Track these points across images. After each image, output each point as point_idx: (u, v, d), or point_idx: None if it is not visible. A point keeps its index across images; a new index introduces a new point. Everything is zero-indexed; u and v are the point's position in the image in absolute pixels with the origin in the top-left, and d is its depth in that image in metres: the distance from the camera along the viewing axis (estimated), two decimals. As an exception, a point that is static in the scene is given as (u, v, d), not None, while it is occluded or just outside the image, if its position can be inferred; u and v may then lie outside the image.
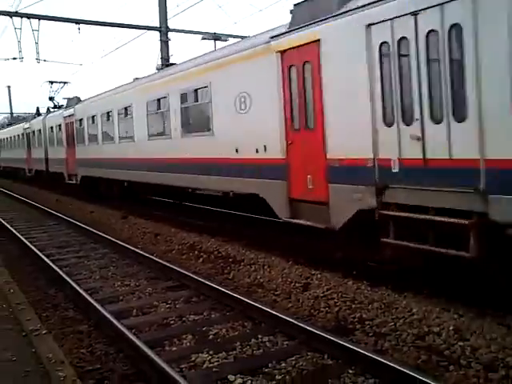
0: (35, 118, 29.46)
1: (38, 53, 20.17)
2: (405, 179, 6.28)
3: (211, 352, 5.08)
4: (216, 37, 21.15)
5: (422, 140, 6.03)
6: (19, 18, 18.60)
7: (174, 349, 5.31)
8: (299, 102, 8.08)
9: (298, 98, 8.10)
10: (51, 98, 28.10)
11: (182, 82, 11.84)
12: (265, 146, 8.95)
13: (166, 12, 20.88)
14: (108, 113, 16.68)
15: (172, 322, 6.11)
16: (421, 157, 6.08)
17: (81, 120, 19.69)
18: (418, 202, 6.13)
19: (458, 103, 5.63)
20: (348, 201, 7.07)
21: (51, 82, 27.86)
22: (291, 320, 5.58)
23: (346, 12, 7.03)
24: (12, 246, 11.43)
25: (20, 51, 19.84)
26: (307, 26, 7.74)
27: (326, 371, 4.66)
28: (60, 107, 26.48)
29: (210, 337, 5.58)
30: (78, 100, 21.38)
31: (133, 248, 9.89)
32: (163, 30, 20.93)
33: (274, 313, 5.83)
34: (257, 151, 9.15)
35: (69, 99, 22.30)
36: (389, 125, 6.47)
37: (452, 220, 5.68)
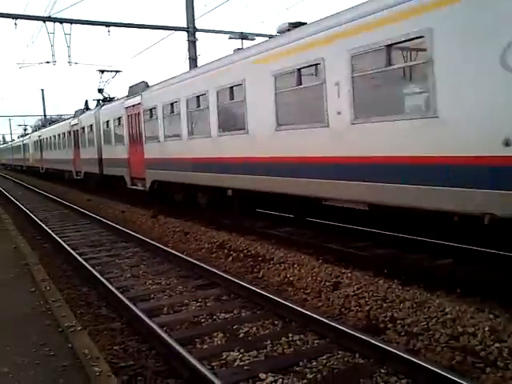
0: (84, 112, 25.84)
1: (69, 56, 20.60)
2: None
3: (242, 350, 5.11)
4: (243, 36, 21.21)
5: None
6: (52, 23, 19.02)
7: (205, 347, 5.35)
8: None
9: None
10: (101, 90, 24.24)
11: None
12: None
13: (193, 12, 21.03)
14: (199, 97, 12.50)
15: (203, 320, 6.16)
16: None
17: (152, 109, 15.67)
18: None
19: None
20: None
21: (102, 71, 24.08)
22: (322, 319, 5.55)
23: None
24: (47, 244, 11.71)
25: (53, 55, 20.31)
26: None
27: (357, 370, 4.63)
28: (111, 99, 23.29)
29: (241, 335, 5.61)
30: (145, 86, 17.05)
31: (163, 247, 10.00)
32: (191, 30, 21.08)
33: (304, 311, 5.82)
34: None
35: (132, 87, 18.11)
36: None
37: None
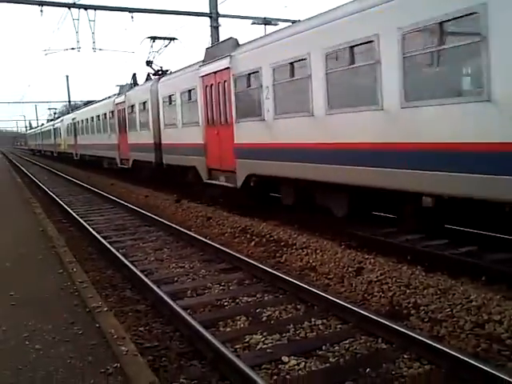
0: (132, 87, 21.19)
1: (94, 42, 20.75)
2: None
3: (265, 333, 5.16)
4: (266, 21, 21.04)
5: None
6: (77, 9, 19.16)
7: (228, 329, 5.42)
8: None
9: None
10: (149, 62, 19.61)
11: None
12: None
13: (216, -3, 20.93)
14: (353, 47, 8.05)
15: (226, 303, 6.23)
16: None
17: (251, 75, 11.07)
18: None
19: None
20: None
21: (153, 39, 19.48)
22: (344, 304, 5.56)
23: None
24: (73, 227, 11.93)
25: (78, 41, 20.48)
26: None
27: (380, 355, 4.63)
28: (164, 73, 19.06)
29: (264, 319, 5.65)
30: (234, 43, 12.22)
31: (186, 231, 10.10)
32: (214, 15, 21.00)
33: (327, 296, 5.84)
34: None
35: (210, 48, 14.31)
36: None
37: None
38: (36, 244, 8.97)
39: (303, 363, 4.51)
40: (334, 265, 7.42)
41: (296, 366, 4.47)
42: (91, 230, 10.74)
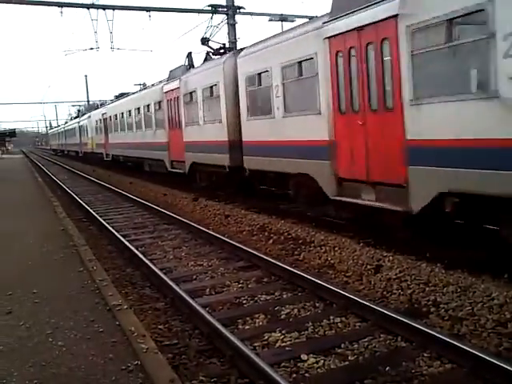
0: (188, 70, 16.66)
1: (112, 42, 20.95)
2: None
3: (284, 331, 5.16)
4: (283, 18, 20.98)
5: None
6: (95, 10, 19.37)
7: (247, 327, 5.44)
8: None
9: None
10: (205, 40, 16.28)
11: None
12: None
13: (232, -5, 20.91)
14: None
15: (244, 301, 6.25)
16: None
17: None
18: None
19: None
20: None
21: (212, 11, 17.40)
22: (363, 301, 5.54)
23: None
24: (92, 226, 12.08)
25: (96, 41, 20.70)
26: None
27: (399, 354, 4.61)
28: (226, 50, 15.80)
29: (282, 316, 5.66)
30: None
31: (204, 229, 10.15)
32: (230, 13, 20.99)
33: (345, 294, 5.82)
34: None
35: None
36: None
37: None
38: (57, 243, 9.11)
39: (322, 361, 4.51)
40: (353, 262, 7.39)
41: (315, 364, 4.47)
42: (110, 228, 10.86)
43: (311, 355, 4.61)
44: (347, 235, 8.93)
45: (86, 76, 66.36)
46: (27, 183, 22.51)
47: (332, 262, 7.62)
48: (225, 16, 18.39)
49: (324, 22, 8.96)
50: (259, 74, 11.53)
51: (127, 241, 9.52)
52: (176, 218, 11.70)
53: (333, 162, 9.04)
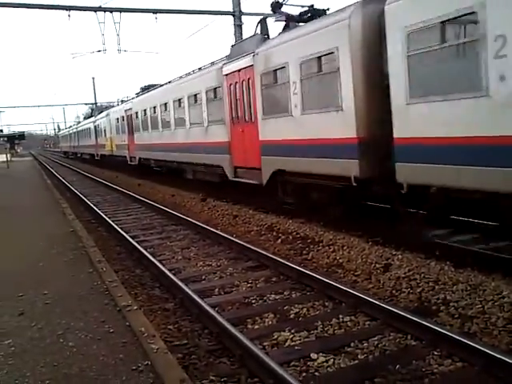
0: (265, 40, 12.07)
1: (119, 44, 21.09)
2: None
3: (293, 331, 5.17)
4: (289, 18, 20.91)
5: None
6: (102, 13, 19.49)
7: (256, 327, 5.45)
8: None
9: None
10: (278, 4, 12.35)
11: None
12: None
13: (239, -4, 20.94)
14: None
15: (253, 301, 6.26)
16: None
17: None
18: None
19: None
20: None
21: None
22: (372, 300, 5.53)
23: None
24: (101, 227, 12.15)
25: (103, 43, 20.83)
26: None
27: (409, 352, 4.60)
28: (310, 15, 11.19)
29: (291, 316, 5.66)
30: None
31: (213, 229, 10.17)
32: (237, 14, 21.03)
33: (354, 293, 5.81)
34: None
35: None
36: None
37: None
38: (67, 244, 9.17)
39: (332, 360, 4.51)
40: (362, 261, 7.38)
41: (325, 363, 4.47)
42: (119, 229, 10.91)
43: (321, 354, 4.61)
44: (356, 234, 8.92)
45: (93, 78, 66.56)
46: (37, 187, 22.65)
47: (341, 261, 7.61)
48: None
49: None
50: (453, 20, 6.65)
51: (136, 242, 9.56)
52: (184, 218, 11.74)
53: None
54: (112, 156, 30.69)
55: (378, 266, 7.08)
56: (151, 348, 4.37)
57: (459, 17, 6.47)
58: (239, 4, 21.07)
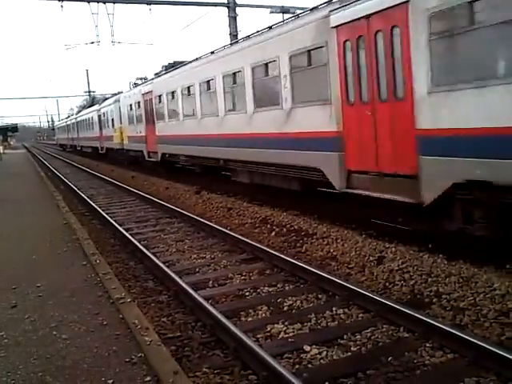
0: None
1: (113, 35, 20.95)
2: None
3: (286, 323, 5.19)
4: (284, 10, 20.88)
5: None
6: (96, 3, 19.35)
7: (250, 319, 5.46)
8: None
9: None
10: None
11: None
12: None
13: (233, -13, 20.83)
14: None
15: (247, 293, 6.27)
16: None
17: None
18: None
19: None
20: None
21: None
22: (366, 293, 5.56)
23: None
24: (95, 220, 12.11)
25: (97, 35, 20.70)
26: None
27: (402, 344, 4.63)
28: None
29: (285, 308, 5.68)
30: None
31: (207, 222, 10.16)
32: (231, 5, 20.94)
33: (348, 285, 5.83)
34: None
35: None
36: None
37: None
38: (61, 237, 9.15)
39: (325, 352, 4.53)
40: (355, 254, 7.40)
41: (318, 355, 4.49)
42: (113, 222, 10.88)
43: (314, 346, 4.63)
44: (349, 227, 8.95)
45: (87, 70, 66.20)
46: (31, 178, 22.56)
47: (334, 253, 7.63)
48: None
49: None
50: None
51: (130, 234, 9.54)
52: (178, 211, 11.73)
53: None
54: (122, 150, 25.72)
55: (371, 258, 7.11)
56: (145, 340, 4.38)
57: None
58: (234, -4, 20.97)
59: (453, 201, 6.89)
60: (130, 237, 9.26)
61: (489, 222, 6.59)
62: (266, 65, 11.00)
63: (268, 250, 7.68)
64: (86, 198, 15.24)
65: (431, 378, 4.07)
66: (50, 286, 6.28)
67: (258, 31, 11.81)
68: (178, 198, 14.71)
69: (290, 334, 4.96)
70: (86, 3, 19.29)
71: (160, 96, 18.66)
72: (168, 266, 7.28)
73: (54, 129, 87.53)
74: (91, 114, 36.41)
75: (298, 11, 20.66)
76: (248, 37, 12.36)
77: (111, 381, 3.83)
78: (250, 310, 5.65)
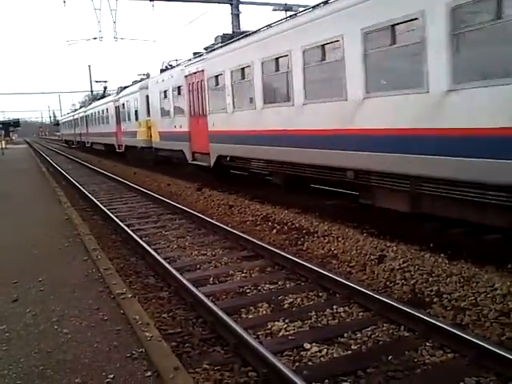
0: None
1: (115, 31, 20.92)
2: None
3: (287, 320, 5.19)
4: (287, 8, 20.83)
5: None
6: (98, -1, 19.35)
7: (251, 316, 5.47)
8: None
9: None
10: None
11: None
12: None
13: (236, -16, 20.80)
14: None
15: (248, 290, 6.27)
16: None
17: None
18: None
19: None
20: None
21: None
22: (366, 291, 5.56)
23: None
24: (96, 216, 12.12)
25: (100, 31, 20.69)
26: None
27: (402, 343, 4.63)
28: None
29: (286, 306, 5.69)
30: None
31: (208, 219, 10.17)
32: (234, 2, 20.91)
33: (349, 284, 5.84)
34: None
35: None
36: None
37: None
38: (62, 232, 9.16)
39: (325, 350, 4.54)
40: (356, 252, 7.40)
41: (318, 353, 4.49)
42: (114, 218, 10.89)
43: (314, 344, 4.63)
44: (351, 225, 8.94)
45: (89, 66, 66.03)
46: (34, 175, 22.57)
47: (335, 252, 7.63)
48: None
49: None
50: None
51: (131, 230, 9.55)
52: (180, 207, 11.73)
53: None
54: (149, 149, 20.80)
55: (372, 257, 7.11)
56: (145, 336, 4.39)
57: None
58: (237, -7, 20.94)
59: None
60: (131, 233, 9.26)
61: None
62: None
63: (269, 247, 7.68)
64: (87, 193, 15.25)
65: (431, 377, 4.08)
66: (51, 280, 6.29)
67: None
68: (180, 195, 14.71)
69: (291, 332, 4.96)
70: (90, -1, 19.28)
71: (217, 77, 13.64)
72: (169, 263, 7.28)
73: (56, 124, 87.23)
74: (106, 105, 30.99)
75: (301, 9, 20.67)
76: None
77: (112, 376, 3.84)
78: (251, 307, 5.65)
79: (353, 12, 8.23)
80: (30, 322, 4.97)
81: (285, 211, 10.62)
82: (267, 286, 6.38)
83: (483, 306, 5.17)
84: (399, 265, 6.62)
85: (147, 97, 21.00)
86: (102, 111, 32.15)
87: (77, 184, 17.87)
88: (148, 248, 8.04)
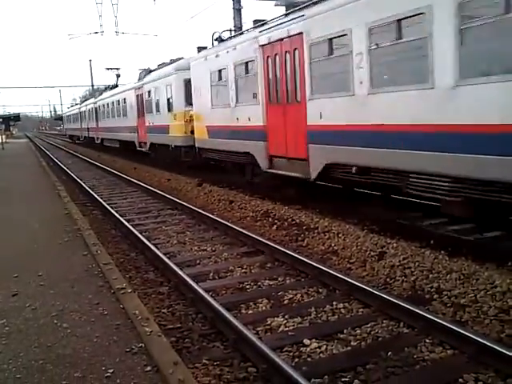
0: None
1: (117, 26, 20.82)
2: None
3: (286, 316, 5.19)
4: (289, 2, 20.74)
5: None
6: (99, -8, 19.25)
7: (250, 312, 5.47)
8: None
9: None
10: None
11: None
12: None
13: (238, -21, 20.67)
14: None
15: (248, 286, 6.28)
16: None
17: None
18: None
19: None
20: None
21: None
22: (366, 287, 5.56)
23: None
24: (96, 210, 12.11)
25: (101, 25, 20.60)
26: None
27: (401, 339, 4.63)
28: None
29: (285, 302, 5.69)
30: None
31: (208, 214, 10.16)
32: (235, -3, 20.79)
33: (348, 280, 5.84)
34: None
35: None
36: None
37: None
38: (62, 227, 9.15)
39: (325, 346, 4.54)
40: (356, 249, 7.40)
41: (317, 349, 4.50)
42: (114, 212, 10.89)
43: (314, 340, 4.63)
44: (351, 221, 8.93)
45: (90, 61, 65.89)
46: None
47: (335, 248, 7.63)
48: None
49: None
50: None
51: (131, 225, 9.55)
52: (180, 203, 11.72)
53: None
54: (188, 149, 16.62)
55: (372, 253, 7.10)
56: (145, 331, 4.39)
57: None
58: (239, -12, 20.80)
59: None
60: (131, 228, 9.26)
61: None
62: None
63: (269, 243, 7.68)
64: (87, 188, 15.24)
65: (430, 373, 4.08)
66: (51, 275, 6.29)
67: None
68: (180, 190, 14.70)
69: (290, 328, 4.97)
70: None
71: (331, 40, 8.85)
72: (169, 258, 7.28)
73: (56, 119, 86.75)
74: (123, 94, 25.78)
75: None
76: None
77: (111, 370, 3.85)
78: (251, 303, 5.66)
79: None
80: (30, 317, 4.97)
81: (285, 207, 10.58)
82: (267, 281, 6.38)
83: (483, 303, 5.17)
84: (399, 261, 6.62)
85: (186, 81, 16.60)
86: (118, 102, 26.91)
87: (77, 178, 17.85)
88: (148, 243, 8.03)
